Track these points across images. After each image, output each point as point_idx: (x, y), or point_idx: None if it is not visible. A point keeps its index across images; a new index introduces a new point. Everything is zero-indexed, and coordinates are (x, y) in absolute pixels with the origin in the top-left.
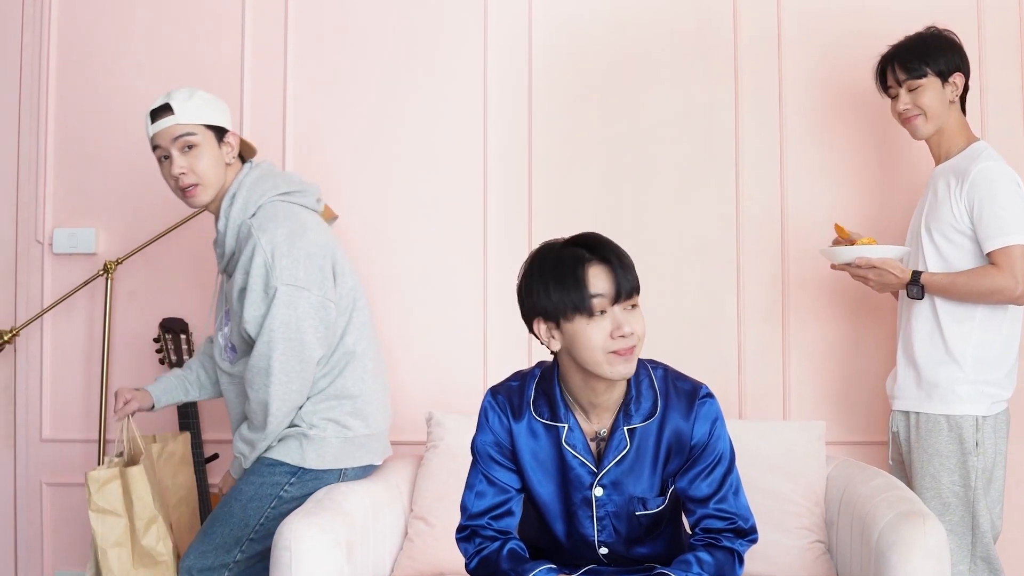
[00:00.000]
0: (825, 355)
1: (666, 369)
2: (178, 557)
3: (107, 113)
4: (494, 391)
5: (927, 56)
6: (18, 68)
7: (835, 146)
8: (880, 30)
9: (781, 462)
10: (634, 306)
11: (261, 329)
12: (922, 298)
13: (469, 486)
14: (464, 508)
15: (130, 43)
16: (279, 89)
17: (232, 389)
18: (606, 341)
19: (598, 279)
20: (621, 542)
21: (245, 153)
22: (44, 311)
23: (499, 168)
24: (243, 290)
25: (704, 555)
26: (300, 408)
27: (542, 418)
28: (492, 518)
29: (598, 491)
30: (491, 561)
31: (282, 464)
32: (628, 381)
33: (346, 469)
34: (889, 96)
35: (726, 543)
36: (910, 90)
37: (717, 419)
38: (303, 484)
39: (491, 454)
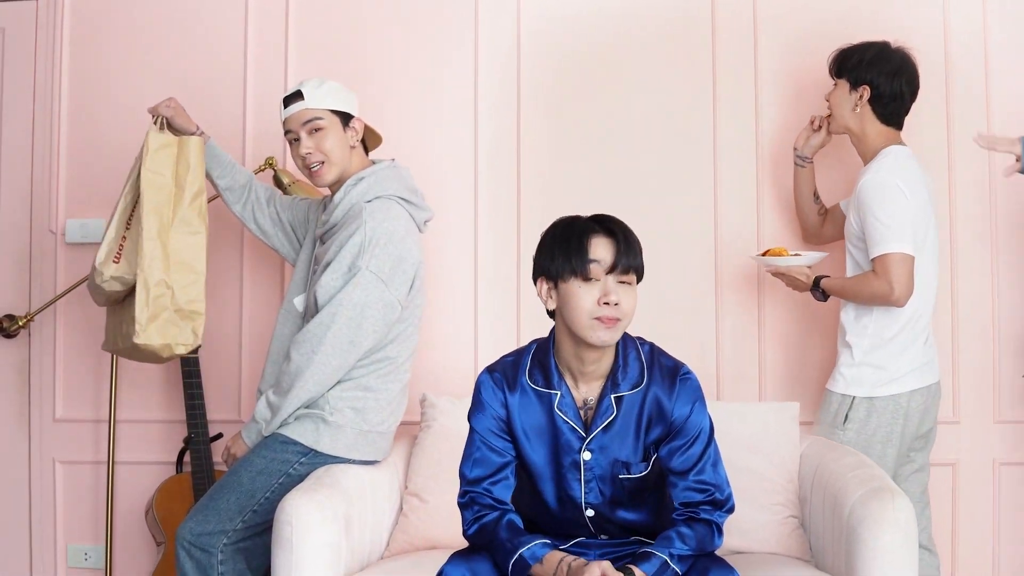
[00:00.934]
0: (799, 339)
1: (652, 346)
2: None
3: (118, 107)
4: (490, 369)
5: (846, 61)
6: (32, 65)
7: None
8: (846, 32)
9: (757, 441)
10: (629, 284)
11: (330, 301)
12: (825, 300)
13: (466, 456)
14: (463, 476)
15: (139, 40)
16: (280, 83)
17: (280, 350)
18: (593, 306)
19: (599, 247)
20: (606, 504)
21: (370, 141)
22: (57, 298)
23: (488, 159)
24: (329, 263)
25: (685, 529)
26: (328, 390)
27: (536, 385)
28: (490, 484)
29: (586, 455)
30: (489, 530)
31: (296, 443)
32: (616, 353)
33: (354, 460)
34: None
35: (704, 515)
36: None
37: (697, 397)
38: (312, 465)
39: (488, 427)
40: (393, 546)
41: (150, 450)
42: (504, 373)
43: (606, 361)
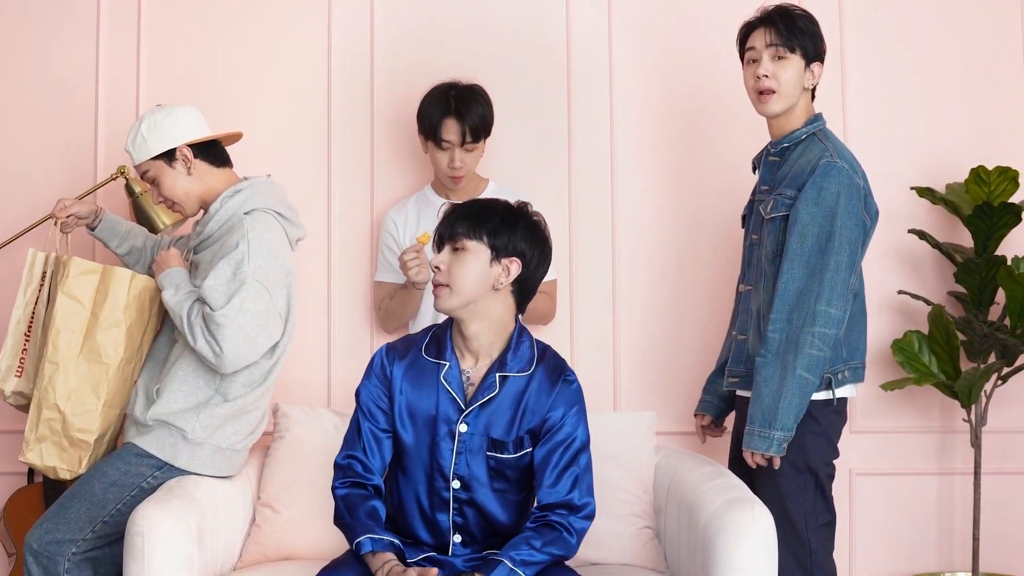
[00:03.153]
0: (653, 348)
1: (548, 346)
2: (123, 380)
3: None
4: (388, 345)
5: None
6: None
7: (663, 147)
8: (710, 40)
9: (613, 451)
10: (456, 250)
11: (226, 304)
12: None
13: (346, 441)
14: (340, 451)
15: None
16: (132, 92)
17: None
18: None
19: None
20: (472, 477)
21: (228, 141)
22: None
23: (342, 170)
24: (211, 269)
25: (535, 535)
26: (198, 410)
27: (429, 356)
28: (362, 452)
29: (463, 427)
30: (353, 502)
31: (151, 456)
32: (510, 337)
33: (207, 474)
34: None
35: (555, 518)
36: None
37: (575, 403)
38: (165, 478)
39: (371, 395)
40: (246, 557)
41: (1, 460)
42: (400, 346)
43: (487, 337)
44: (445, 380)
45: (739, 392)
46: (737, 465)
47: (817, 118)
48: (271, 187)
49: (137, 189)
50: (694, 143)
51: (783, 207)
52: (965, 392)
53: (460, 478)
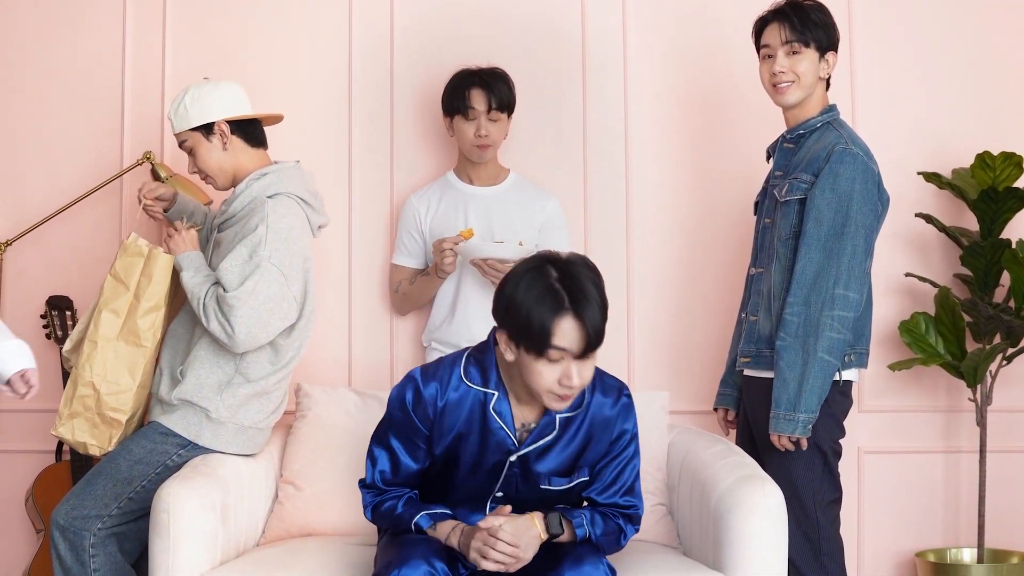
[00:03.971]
0: (666, 330)
1: (595, 367)
2: (155, 361)
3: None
4: (423, 368)
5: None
6: None
7: (676, 135)
8: (723, 29)
9: None
10: (590, 359)
11: (239, 287)
12: None
13: (378, 437)
14: (372, 459)
15: (13, 37)
16: (157, 78)
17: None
18: (552, 384)
19: (567, 335)
20: (514, 499)
21: (268, 123)
22: None
23: (362, 150)
24: (231, 249)
25: (598, 517)
26: (220, 391)
27: (471, 383)
28: (391, 473)
29: (513, 459)
30: (391, 507)
31: (176, 435)
32: None
33: (230, 452)
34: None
35: (620, 522)
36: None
37: (634, 417)
38: (190, 456)
39: (406, 422)
40: (269, 533)
41: (30, 438)
42: (435, 371)
43: None
44: (496, 412)
45: (747, 372)
46: (747, 444)
47: (832, 108)
48: (298, 173)
49: (163, 174)
50: (707, 131)
51: (798, 191)
52: (971, 372)
53: (501, 500)
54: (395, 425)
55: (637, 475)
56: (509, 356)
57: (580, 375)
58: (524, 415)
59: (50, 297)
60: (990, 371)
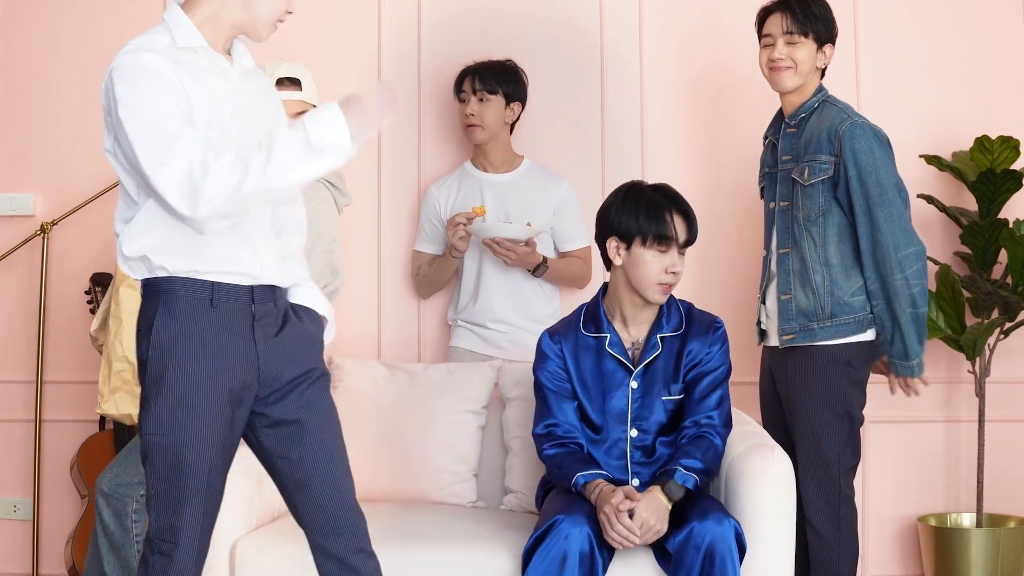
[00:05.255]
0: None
1: (688, 303)
2: None
3: (46, 84)
4: (550, 331)
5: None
6: None
7: (690, 122)
8: (736, 20)
9: None
10: (684, 254)
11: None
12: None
13: (540, 413)
14: (536, 424)
15: (71, 12)
16: None
17: None
18: (660, 274)
19: (678, 225)
20: (649, 422)
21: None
22: None
23: (392, 133)
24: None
25: (691, 448)
26: None
27: (589, 333)
28: (557, 418)
29: (634, 384)
30: (562, 459)
31: None
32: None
33: None
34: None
35: (706, 429)
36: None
37: (726, 343)
38: None
39: (550, 374)
40: None
41: (75, 409)
42: (560, 331)
43: (651, 309)
44: (610, 349)
45: (795, 344)
46: (772, 424)
47: (821, 88)
48: None
49: None
50: (721, 118)
51: (821, 172)
52: (970, 345)
53: (637, 426)
54: (540, 389)
55: (726, 392)
56: (618, 260)
57: (680, 265)
58: (632, 336)
59: (94, 274)
60: (988, 344)
